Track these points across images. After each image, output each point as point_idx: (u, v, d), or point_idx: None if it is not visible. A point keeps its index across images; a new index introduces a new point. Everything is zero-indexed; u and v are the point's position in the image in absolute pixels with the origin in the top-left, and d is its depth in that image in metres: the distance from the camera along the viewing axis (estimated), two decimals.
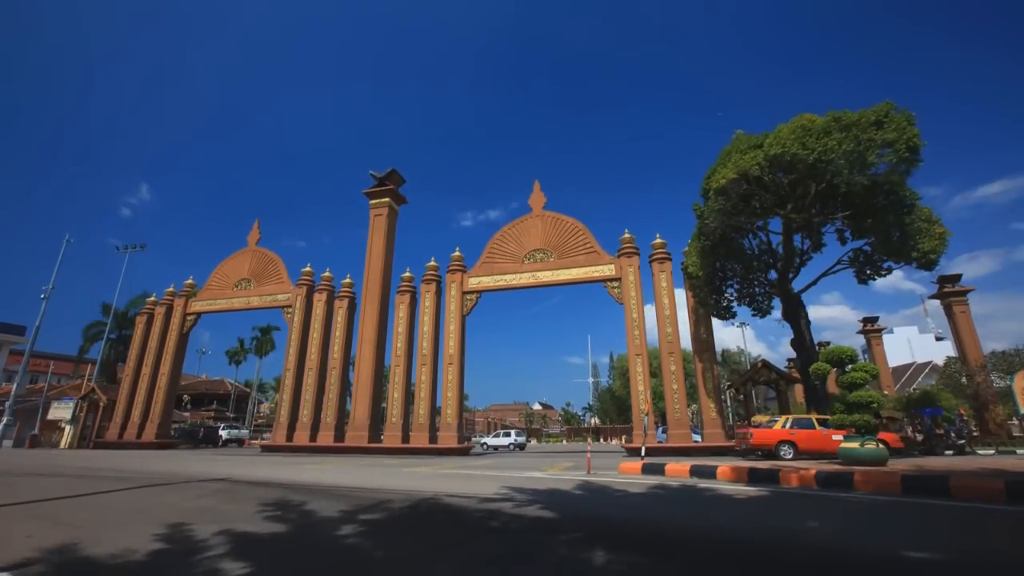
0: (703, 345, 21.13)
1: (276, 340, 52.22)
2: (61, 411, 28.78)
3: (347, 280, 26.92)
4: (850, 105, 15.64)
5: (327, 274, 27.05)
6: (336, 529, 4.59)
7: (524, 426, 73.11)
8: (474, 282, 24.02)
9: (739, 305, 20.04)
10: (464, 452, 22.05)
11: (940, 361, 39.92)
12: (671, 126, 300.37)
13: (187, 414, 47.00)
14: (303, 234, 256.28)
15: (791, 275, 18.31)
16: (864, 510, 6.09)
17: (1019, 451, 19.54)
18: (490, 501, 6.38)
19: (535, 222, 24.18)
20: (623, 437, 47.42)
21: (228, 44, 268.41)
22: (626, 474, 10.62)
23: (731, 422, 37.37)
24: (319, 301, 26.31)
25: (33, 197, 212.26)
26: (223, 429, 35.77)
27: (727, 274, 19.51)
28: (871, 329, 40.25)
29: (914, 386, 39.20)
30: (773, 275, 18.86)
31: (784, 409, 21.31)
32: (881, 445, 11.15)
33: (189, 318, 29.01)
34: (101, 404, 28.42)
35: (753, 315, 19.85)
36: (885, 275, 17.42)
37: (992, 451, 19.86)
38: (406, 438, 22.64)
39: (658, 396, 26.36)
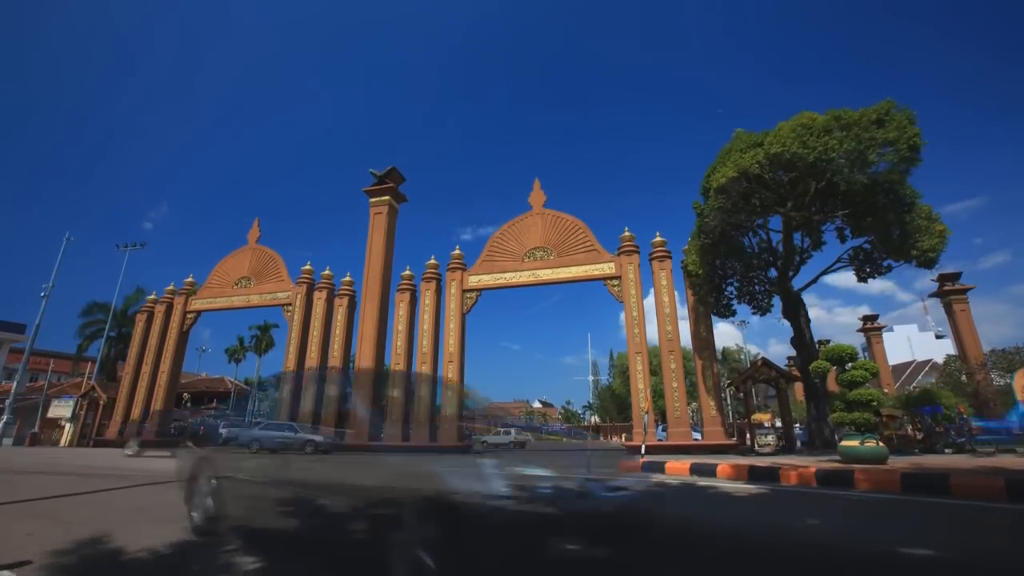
0: (703, 343, 21.14)
1: (276, 338, 52.26)
2: (61, 409, 28.81)
3: (347, 278, 26.92)
4: (851, 104, 15.62)
5: (327, 272, 27.03)
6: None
7: (524, 424, 73.19)
8: (474, 280, 24.02)
9: (739, 303, 20.07)
10: (464, 450, 22.06)
11: (940, 359, 39.94)
12: (672, 125, 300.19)
13: (187, 412, 47.06)
14: (303, 233, 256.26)
15: (791, 273, 18.33)
16: (864, 508, 6.10)
17: (1020, 449, 19.56)
18: (492, 499, 6.38)
19: (535, 220, 24.17)
20: (623, 435, 47.47)
21: (228, 44, 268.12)
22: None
23: (731, 420, 37.40)
24: (319, 299, 26.31)
25: (36, 197, 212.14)
26: (223, 427, 35.75)
27: (727, 272, 19.53)
28: (871, 327, 40.26)
29: (914, 384, 39.22)
30: (773, 273, 18.87)
31: (784, 407, 21.33)
32: (881, 443, 11.15)
33: (189, 316, 29.01)
34: (101, 402, 28.44)
35: (753, 313, 19.87)
36: (885, 273, 17.44)
37: (992, 449, 19.88)
38: (406, 436, 22.66)
39: (658, 394, 26.37)
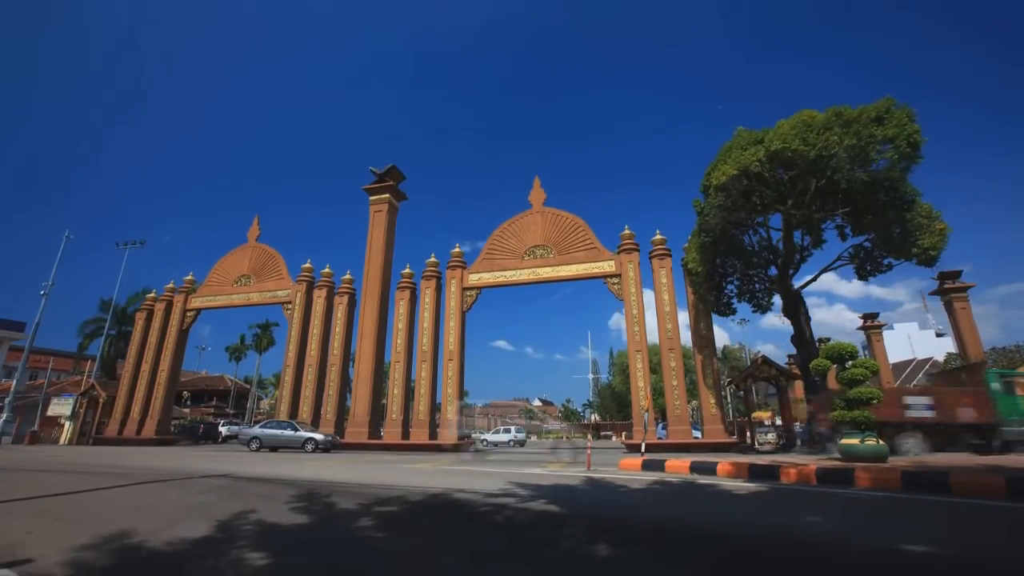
0: (703, 341, 21.14)
1: (276, 336, 52.20)
2: (61, 407, 28.79)
3: (347, 276, 26.91)
4: (851, 102, 15.57)
5: (327, 270, 27.03)
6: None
7: (524, 422, 73.26)
8: (474, 278, 24.01)
9: (739, 301, 20.03)
10: (464, 449, 22.09)
11: (940, 357, 39.95)
12: (672, 123, 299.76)
13: (187, 410, 47.09)
14: (303, 231, 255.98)
15: (791, 271, 18.30)
16: (864, 506, 6.10)
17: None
18: (494, 497, 6.41)
19: (535, 218, 24.15)
20: (623, 433, 47.49)
21: (229, 41, 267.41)
22: (626, 470, 10.63)
23: (731, 418, 37.42)
24: (319, 297, 26.30)
25: (36, 196, 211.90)
26: (223, 425, 35.81)
27: (727, 270, 19.50)
28: (871, 325, 40.23)
29: (914, 382, 39.26)
30: (773, 271, 18.85)
31: (784, 406, 21.33)
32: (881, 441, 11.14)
33: (189, 314, 29.00)
34: (101, 400, 28.43)
35: (753, 311, 19.85)
36: (886, 271, 17.41)
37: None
38: (406, 434, 22.68)
39: (658, 392, 26.38)
